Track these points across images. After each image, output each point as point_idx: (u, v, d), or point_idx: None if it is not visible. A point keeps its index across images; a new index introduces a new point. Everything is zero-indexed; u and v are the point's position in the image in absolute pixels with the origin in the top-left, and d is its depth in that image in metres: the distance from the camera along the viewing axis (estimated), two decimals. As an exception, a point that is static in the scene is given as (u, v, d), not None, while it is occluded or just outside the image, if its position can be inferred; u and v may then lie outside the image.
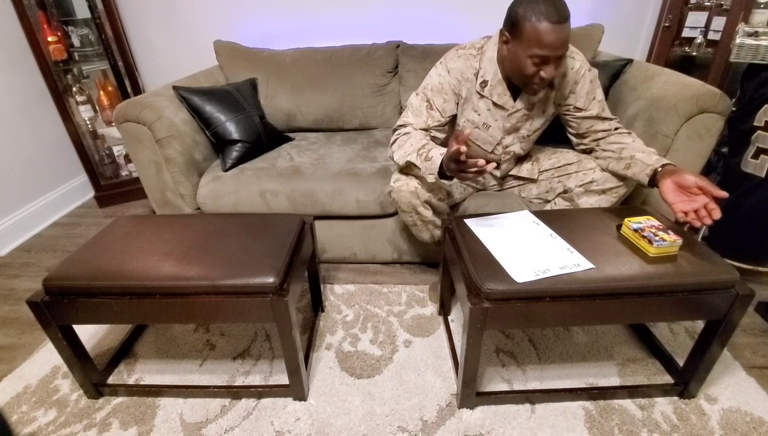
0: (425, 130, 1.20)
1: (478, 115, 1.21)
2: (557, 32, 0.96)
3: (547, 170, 1.32)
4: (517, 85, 1.13)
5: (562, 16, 0.95)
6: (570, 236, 1.02)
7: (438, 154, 1.06)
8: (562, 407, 1.06)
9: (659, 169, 1.02)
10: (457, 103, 1.21)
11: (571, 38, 1.69)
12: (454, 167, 0.97)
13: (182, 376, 1.19)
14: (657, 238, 0.94)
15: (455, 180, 1.08)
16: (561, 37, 0.97)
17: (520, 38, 1.01)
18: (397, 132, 1.20)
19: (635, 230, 0.98)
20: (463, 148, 0.93)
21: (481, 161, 0.92)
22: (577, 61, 1.16)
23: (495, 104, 1.18)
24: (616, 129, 1.19)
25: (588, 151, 1.27)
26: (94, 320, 0.99)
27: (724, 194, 0.90)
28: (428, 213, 1.25)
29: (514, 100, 1.18)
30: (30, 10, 1.83)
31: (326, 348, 1.26)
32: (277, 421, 1.05)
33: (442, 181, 1.09)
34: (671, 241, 0.94)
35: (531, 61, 1.02)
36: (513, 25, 1.01)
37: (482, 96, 1.18)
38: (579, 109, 1.20)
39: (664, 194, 0.97)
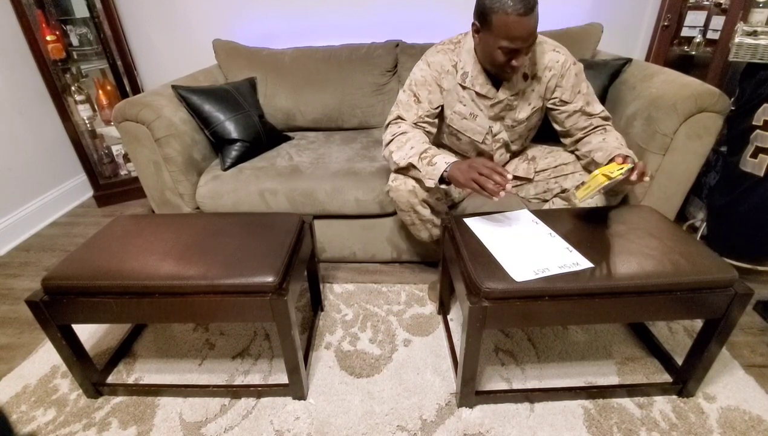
0: (417, 124, 1.22)
1: (464, 106, 1.24)
2: (525, 24, 0.97)
3: (543, 170, 1.32)
4: (493, 73, 1.15)
5: (528, 7, 0.95)
6: (569, 235, 1.02)
7: (442, 161, 1.07)
8: (561, 406, 1.06)
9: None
10: (442, 95, 1.23)
11: (570, 37, 1.69)
12: (469, 176, 0.99)
13: (181, 375, 1.19)
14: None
15: (452, 186, 1.10)
16: (528, 28, 0.98)
17: (488, 29, 1.02)
18: (391, 131, 1.21)
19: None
20: (508, 188, 0.96)
21: (506, 177, 0.95)
22: (561, 55, 1.18)
23: (478, 94, 1.20)
24: (594, 127, 1.21)
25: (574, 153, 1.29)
26: (93, 319, 0.99)
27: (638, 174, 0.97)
28: (426, 212, 1.25)
29: (497, 89, 1.20)
30: (28, 9, 1.83)
31: (326, 347, 1.26)
32: (277, 420, 1.05)
33: (441, 186, 1.11)
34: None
35: (501, 51, 1.03)
36: (481, 16, 1.02)
37: (465, 87, 1.20)
38: (564, 103, 1.21)
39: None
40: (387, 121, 1.25)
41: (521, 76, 1.18)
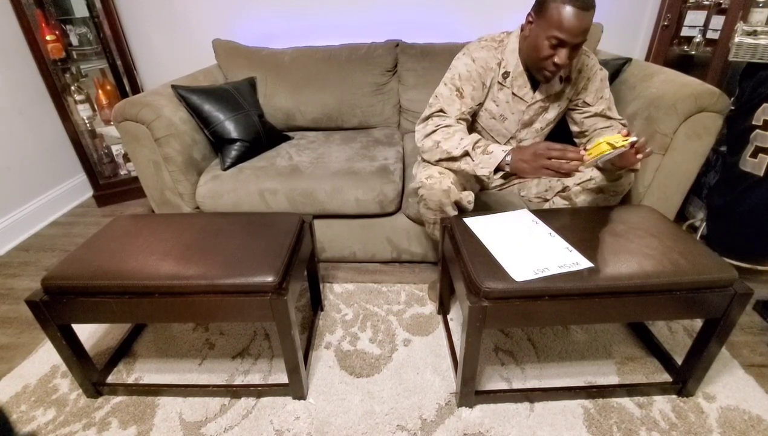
0: (459, 120, 1.19)
1: (497, 106, 1.24)
2: (580, 18, 0.98)
3: None
4: (532, 73, 1.15)
5: (587, 3, 0.98)
6: (569, 235, 1.02)
7: (499, 149, 1.07)
8: (561, 406, 1.06)
9: None
10: (483, 92, 1.22)
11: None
12: (538, 164, 1.00)
13: (181, 375, 1.19)
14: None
15: (499, 174, 1.11)
16: (582, 24, 0.99)
17: (543, 18, 1.02)
18: (435, 122, 1.17)
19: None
20: (586, 160, 0.97)
21: (580, 152, 0.96)
22: (591, 59, 1.20)
23: (514, 95, 1.21)
24: (612, 127, 1.21)
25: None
26: (93, 319, 0.99)
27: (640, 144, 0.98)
28: (454, 214, 1.22)
29: (533, 93, 1.21)
30: (28, 9, 1.83)
31: (325, 347, 1.26)
32: (277, 420, 1.05)
33: (495, 175, 1.11)
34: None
35: (548, 42, 1.03)
36: (539, 5, 1.04)
37: (503, 86, 1.21)
38: (587, 105, 1.23)
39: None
40: (426, 114, 1.20)
41: (557, 79, 1.19)
